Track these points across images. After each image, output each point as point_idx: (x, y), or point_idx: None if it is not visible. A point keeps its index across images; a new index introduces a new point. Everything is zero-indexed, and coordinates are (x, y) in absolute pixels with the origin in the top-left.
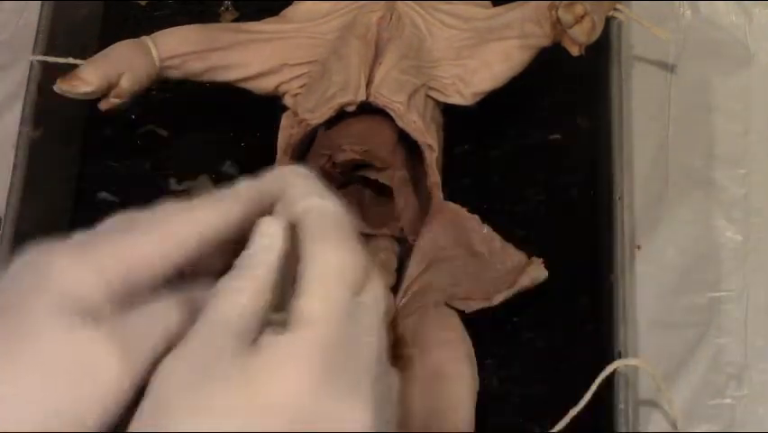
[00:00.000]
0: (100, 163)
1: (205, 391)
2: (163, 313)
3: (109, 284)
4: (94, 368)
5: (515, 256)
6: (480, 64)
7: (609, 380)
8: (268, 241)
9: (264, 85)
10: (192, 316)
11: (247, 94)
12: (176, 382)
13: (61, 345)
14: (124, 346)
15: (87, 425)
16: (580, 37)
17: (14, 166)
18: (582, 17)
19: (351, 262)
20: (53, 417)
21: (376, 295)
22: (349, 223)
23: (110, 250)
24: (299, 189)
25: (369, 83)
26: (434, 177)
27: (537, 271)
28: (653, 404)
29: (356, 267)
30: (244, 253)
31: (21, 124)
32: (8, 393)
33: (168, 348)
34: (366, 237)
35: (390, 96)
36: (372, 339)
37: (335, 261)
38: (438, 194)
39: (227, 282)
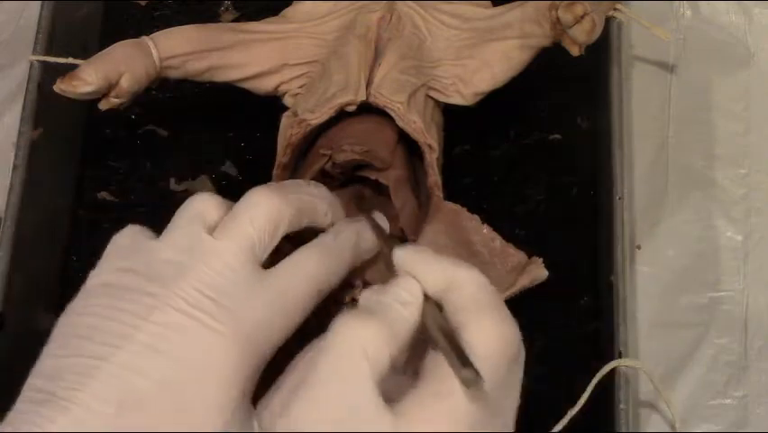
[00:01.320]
0: (100, 163)
1: None
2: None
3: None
4: None
5: (515, 256)
6: (481, 64)
7: (610, 380)
8: (407, 297)
9: (264, 85)
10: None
11: (247, 94)
12: None
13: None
14: None
15: None
16: (580, 37)
17: (14, 166)
18: (582, 17)
19: (513, 338)
20: None
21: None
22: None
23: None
24: (440, 265)
25: (369, 83)
26: (434, 177)
27: (538, 271)
28: (653, 405)
29: (516, 341)
30: (373, 298)
31: (21, 124)
32: None
33: None
34: None
35: (390, 96)
36: (515, 408)
37: (499, 337)
38: (438, 194)
39: (353, 324)
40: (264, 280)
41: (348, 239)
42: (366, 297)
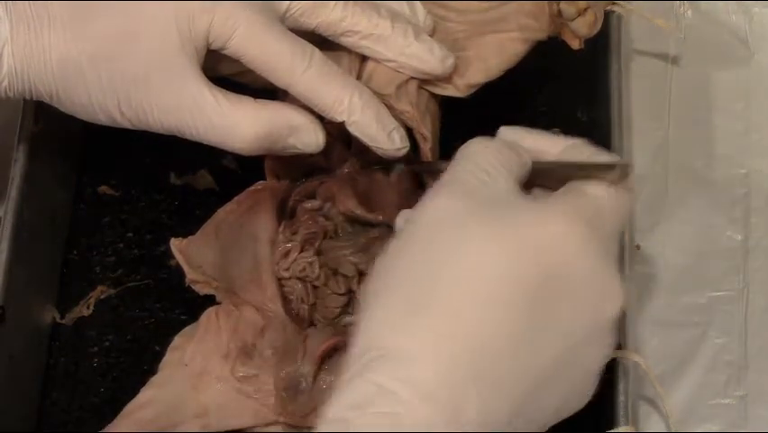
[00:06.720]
0: (100, 157)
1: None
2: None
3: None
4: None
5: None
6: (475, 56)
7: (609, 373)
8: None
9: (260, 78)
10: None
11: (244, 88)
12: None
13: None
14: None
15: None
16: (582, 29)
17: (15, 160)
18: (585, 10)
19: None
20: None
21: None
22: None
23: None
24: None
25: (359, 77)
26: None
27: None
28: (653, 402)
29: None
30: None
31: (22, 117)
32: None
33: None
34: (361, 225)
35: (378, 89)
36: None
37: None
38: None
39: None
40: None
41: None
42: None
